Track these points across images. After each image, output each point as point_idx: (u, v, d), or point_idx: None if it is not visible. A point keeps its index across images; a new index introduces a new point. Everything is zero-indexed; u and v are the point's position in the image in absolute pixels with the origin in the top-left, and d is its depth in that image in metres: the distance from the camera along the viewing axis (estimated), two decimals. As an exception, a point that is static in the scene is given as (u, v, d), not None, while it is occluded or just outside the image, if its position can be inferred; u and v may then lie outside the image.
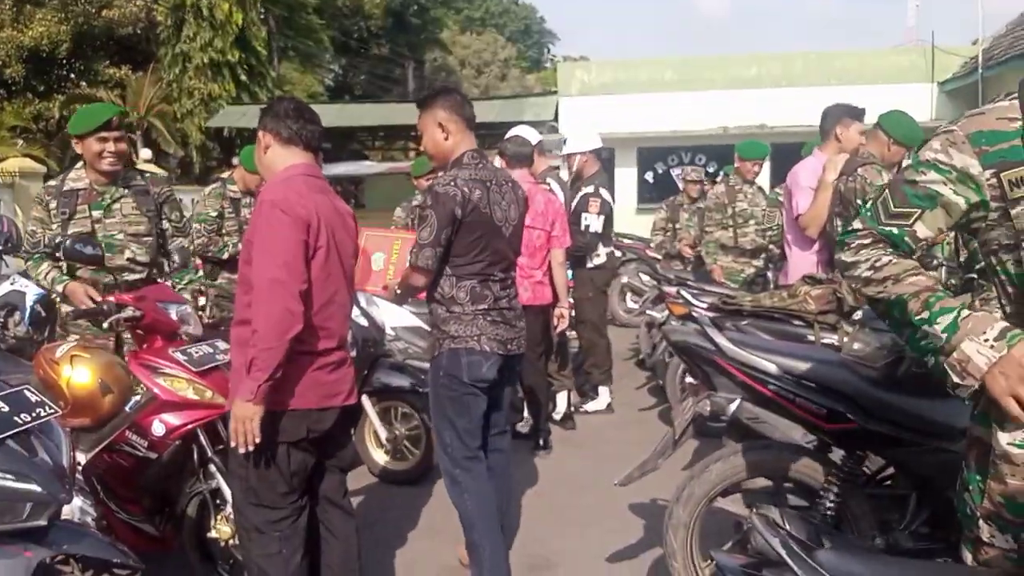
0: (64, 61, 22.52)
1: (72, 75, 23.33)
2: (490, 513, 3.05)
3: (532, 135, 5.63)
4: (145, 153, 16.73)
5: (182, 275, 3.83)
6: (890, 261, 1.64)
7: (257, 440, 2.35)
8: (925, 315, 1.58)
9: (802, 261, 4.51)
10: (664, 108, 15.22)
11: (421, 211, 3.05)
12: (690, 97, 15.30)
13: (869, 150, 4.26)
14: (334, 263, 2.54)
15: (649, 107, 15.25)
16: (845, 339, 2.61)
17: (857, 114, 4.46)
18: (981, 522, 1.65)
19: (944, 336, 1.56)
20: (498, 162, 4.85)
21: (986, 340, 1.52)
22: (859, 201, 3.95)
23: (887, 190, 1.70)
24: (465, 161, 3.04)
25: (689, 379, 2.96)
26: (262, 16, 22.66)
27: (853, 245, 1.69)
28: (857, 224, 1.72)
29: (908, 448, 2.40)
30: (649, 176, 16.00)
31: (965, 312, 1.56)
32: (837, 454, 2.55)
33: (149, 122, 21.16)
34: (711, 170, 13.15)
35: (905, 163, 1.67)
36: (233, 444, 2.39)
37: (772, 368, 2.52)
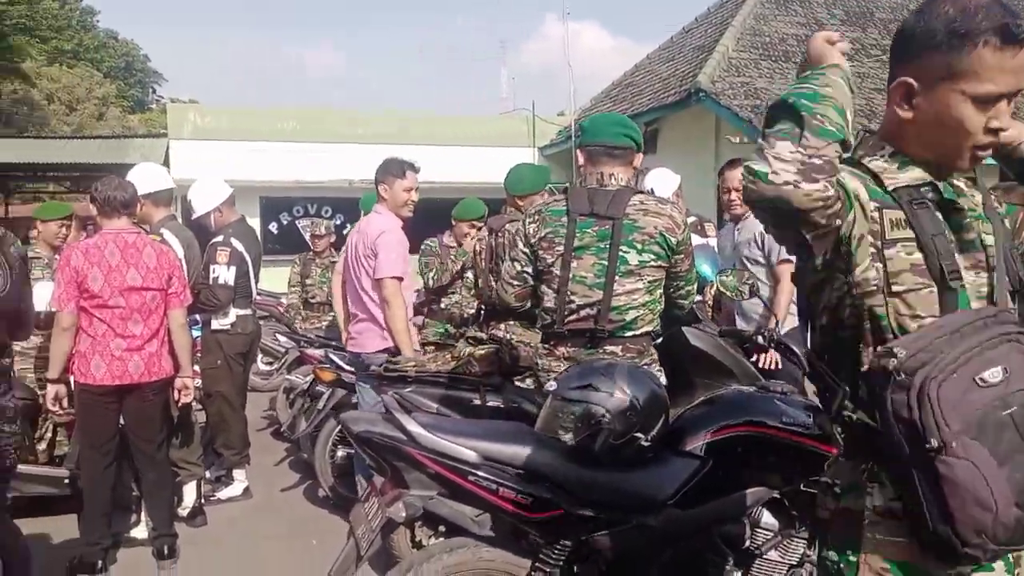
0: None
1: None
2: None
3: (160, 177, 4.82)
4: None
5: None
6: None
7: None
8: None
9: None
10: (288, 157, 14.78)
11: None
12: (314, 148, 15.03)
13: (511, 208, 4.34)
14: None
15: (272, 155, 14.69)
16: (539, 413, 2.38)
17: (399, 171, 4.20)
18: None
19: None
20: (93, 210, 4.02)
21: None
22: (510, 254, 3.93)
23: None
24: None
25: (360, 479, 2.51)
26: None
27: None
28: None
29: (609, 529, 2.24)
30: (274, 227, 15.33)
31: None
32: (539, 544, 2.29)
33: None
34: (337, 223, 13.01)
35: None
36: None
37: (471, 455, 2.21)
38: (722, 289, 3.50)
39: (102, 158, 13.99)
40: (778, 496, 2.55)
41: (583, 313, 2.86)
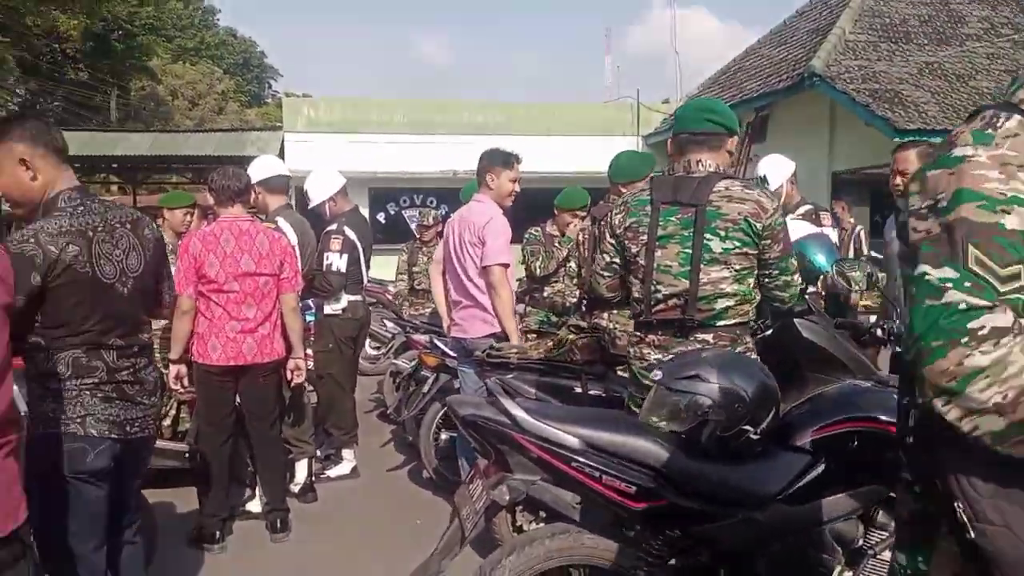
0: None
1: None
2: None
3: (275, 166, 5.05)
4: None
5: None
6: None
7: None
8: None
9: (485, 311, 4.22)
10: (395, 149, 15.14)
11: None
12: (420, 140, 15.34)
13: (614, 196, 4.27)
14: None
15: (380, 147, 15.07)
16: (643, 404, 2.36)
17: (508, 162, 4.28)
18: None
19: None
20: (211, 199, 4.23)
21: None
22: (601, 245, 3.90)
23: (970, 244, 1.17)
24: (60, 206, 2.45)
25: (480, 460, 2.54)
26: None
27: (983, 332, 1.13)
28: (967, 297, 1.16)
29: (715, 522, 2.19)
30: (381, 217, 15.72)
31: None
32: (642, 534, 2.28)
33: None
34: (442, 213, 13.24)
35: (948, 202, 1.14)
36: None
37: (574, 442, 2.21)
38: (835, 280, 3.36)
39: (222, 151, 14.64)
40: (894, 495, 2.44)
41: (670, 303, 2.82)
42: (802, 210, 4.75)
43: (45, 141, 2.46)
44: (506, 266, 4.09)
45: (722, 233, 2.75)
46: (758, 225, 2.74)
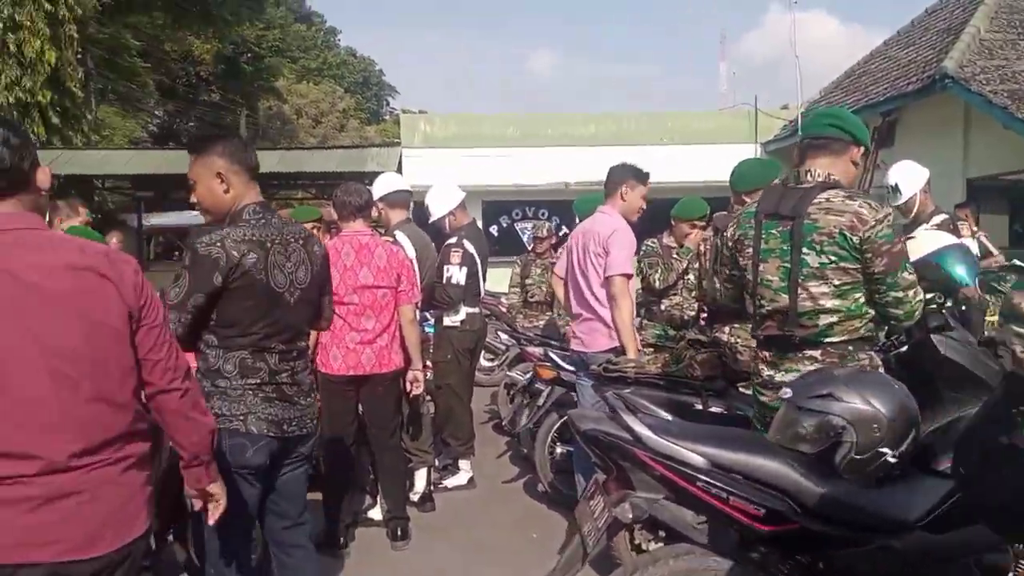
0: None
1: None
2: None
3: (395, 182, 5.20)
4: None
5: None
6: None
7: None
8: None
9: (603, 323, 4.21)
10: (507, 162, 15.30)
11: (183, 267, 2.62)
12: (532, 152, 15.46)
13: (737, 205, 4.15)
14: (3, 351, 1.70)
15: (493, 160, 15.26)
16: (772, 422, 2.28)
17: (642, 177, 4.34)
18: None
19: None
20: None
21: None
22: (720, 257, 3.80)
23: None
24: (245, 217, 2.67)
25: (597, 475, 2.53)
26: (79, 56, 20.92)
27: None
28: None
29: (850, 549, 2.09)
30: (494, 229, 15.91)
31: None
32: (769, 557, 2.20)
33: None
34: (554, 225, 13.29)
35: None
36: None
37: (699, 461, 2.16)
38: (977, 294, 3.16)
39: (343, 167, 15.13)
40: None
41: (775, 319, 2.73)
42: (937, 219, 4.50)
43: (240, 159, 2.70)
44: (629, 277, 4.08)
45: (817, 247, 2.66)
46: (854, 238, 2.62)
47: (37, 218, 1.83)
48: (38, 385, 1.70)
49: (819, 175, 2.74)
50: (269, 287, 2.64)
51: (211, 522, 2.22)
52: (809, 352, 2.68)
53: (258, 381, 2.64)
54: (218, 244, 2.56)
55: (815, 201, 2.67)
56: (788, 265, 2.70)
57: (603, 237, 4.12)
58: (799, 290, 2.67)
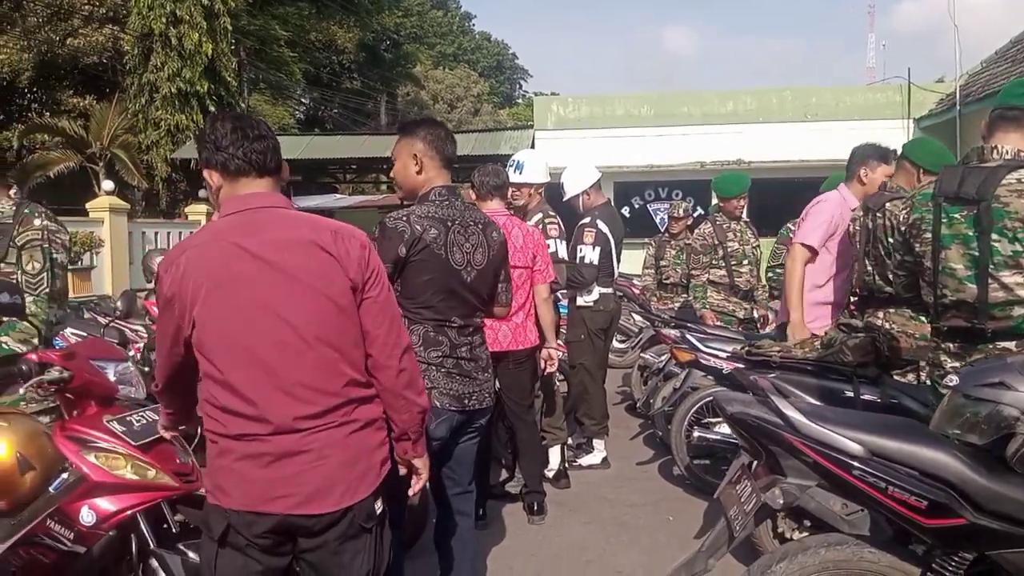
0: (25, 90, 21.83)
1: (34, 104, 22.62)
2: None
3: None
4: (107, 185, 15.92)
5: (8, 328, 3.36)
6: None
7: None
8: None
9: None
10: (640, 142, 15.10)
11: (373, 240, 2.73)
12: (666, 132, 15.17)
13: (898, 183, 3.91)
14: (241, 320, 1.86)
15: (625, 141, 15.10)
16: (936, 411, 2.16)
17: (884, 156, 4.19)
18: None
19: None
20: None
21: None
22: (889, 239, 3.58)
23: None
24: (431, 198, 2.89)
25: (744, 459, 2.47)
26: (232, 47, 22.20)
27: None
28: None
29: (1021, 548, 1.95)
30: (626, 211, 15.73)
31: None
32: (932, 553, 2.09)
33: (113, 153, 20.48)
34: (688, 205, 13.02)
35: None
36: None
37: (856, 448, 2.07)
38: None
39: (478, 150, 15.37)
40: None
41: (961, 310, 2.54)
42: None
43: (437, 147, 2.91)
44: (808, 248, 4.14)
45: (1009, 233, 2.45)
46: None
47: (284, 198, 2.04)
48: (268, 353, 1.86)
49: (1007, 152, 2.53)
50: (447, 263, 2.81)
51: (411, 493, 2.30)
52: (1004, 344, 2.50)
53: (440, 354, 2.81)
54: (404, 219, 2.77)
55: (1004, 182, 2.47)
56: (975, 253, 2.52)
57: (808, 207, 4.25)
58: (990, 280, 2.49)
